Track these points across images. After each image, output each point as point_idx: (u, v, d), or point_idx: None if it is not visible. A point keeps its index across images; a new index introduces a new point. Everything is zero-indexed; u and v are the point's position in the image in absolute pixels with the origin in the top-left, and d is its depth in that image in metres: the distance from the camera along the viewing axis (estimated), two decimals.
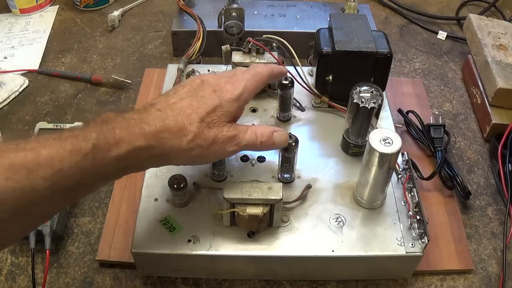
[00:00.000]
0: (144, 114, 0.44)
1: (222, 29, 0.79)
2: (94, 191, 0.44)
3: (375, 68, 0.61)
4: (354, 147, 0.59)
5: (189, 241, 0.51)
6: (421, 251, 0.51)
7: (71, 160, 0.38)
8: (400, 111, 0.71)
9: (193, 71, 0.66)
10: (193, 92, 0.47)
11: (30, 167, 0.36)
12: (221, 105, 0.46)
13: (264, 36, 0.65)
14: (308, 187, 0.56)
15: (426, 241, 0.50)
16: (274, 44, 0.66)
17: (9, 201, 0.35)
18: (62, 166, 0.37)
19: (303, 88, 0.65)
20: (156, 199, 0.55)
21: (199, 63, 0.76)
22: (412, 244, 0.51)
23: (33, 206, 0.37)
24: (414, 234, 0.52)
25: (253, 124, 0.63)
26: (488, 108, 0.71)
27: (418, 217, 0.52)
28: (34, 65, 0.84)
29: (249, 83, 0.49)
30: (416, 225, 0.52)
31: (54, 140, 0.38)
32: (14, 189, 0.35)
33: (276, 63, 0.64)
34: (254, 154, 0.59)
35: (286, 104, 0.62)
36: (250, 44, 0.64)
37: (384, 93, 0.62)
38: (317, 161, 0.59)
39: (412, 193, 0.55)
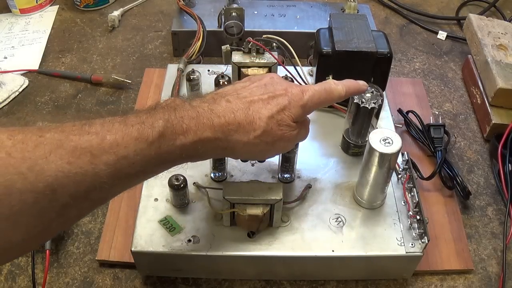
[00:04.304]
0: (214, 104, 0.43)
1: (222, 29, 0.79)
2: (151, 177, 0.42)
3: (375, 68, 0.61)
4: (354, 147, 0.59)
5: (189, 241, 0.51)
6: (421, 251, 0.51)
7: (137, 148, 0.37)
8: (400, 111, 0.71)
9: (193, 71, 0.66)
10: (264, 88, 0.46)
11: (94, 152, 0.35)
12: (290, 106, 0.45)
13: (264, 36, 0.65)
14: (308, 187, 0.56)
15: (426, 241, 0.50)
16: (274, 44, 0.66)
17: (70, 186, 0.35)
18: (127, 153, 0.37)
19: None
20: (156, 199, 0.55)
21: (199, 63, 0.76)
22: (412, 244, 0.51)
23: (92, 192, 0.36)
24: (414, 234, 0.52)
25: None
26: (488, 108, 0.71)
27: (418, 217, 0.52)
28: (34, 65, 0.84)
29: (317, 94, 0.47)
30: (416, 225, 0.52)
31: (119, 124, 0.38)
32: (76, 174, 0.35)
33: (276, 63, 0.64)
34: None
35: None
36: (250, 44, 0.64)
37: (384, 93, 0.62)
38: (317, 161, 0.59)
39: (412, 193, 0.55)
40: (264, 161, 0.58)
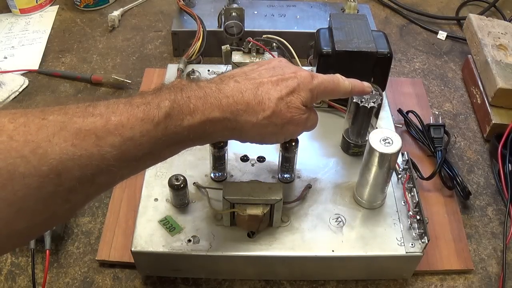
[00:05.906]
0: (221, 84, 0.43)
1: (222, 29, 0.79)
2: (159, 162, 0.41)
3: (375, 68, 0.61)
4: (354, 147, 0.59)
5: (189, 241, 0.51)
6: (421, 251, 0.51)
7: (142, 129, 0.37)
8: (400, 111, 0.71)
9: (193, 71, 0.66)
10: (272, 70, 0.46)
11: (98, 134, 0.35)
12: (299, 89, 0.45)
13: (264, 36, 0.65)
14: (308, 187, 0.56)
15: (426, 241, 0.50)
16: (274, 44, 0.66)
17: (76, 169, 0.34)
18: (133, 135, 0.36)
19: None
20: (156, 199, 0.55)
21: (199, 63, 0.76)
22: (412, 244, 0.51)
23: (98, 175, 0.35)
24: (414, 234, 0.52)
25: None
26: (488, 108, 0.71)
27: (418, 217, 0.52)
28: (34, 65, 0.84)
29: (325, 83, 0.47)
30: (416, 225, 0.52)
31: (124, 106, 0.37)
32: (81, 156, 0.34)
33: None
34: (254, 154, 0.59)
35: None
36: (250, 44, 0.64)
37: (384, 93, 0.62)
38: (317, 161, 0.59)
39: (412, 193, 0.55)
40: (263, 160, 0.58)
